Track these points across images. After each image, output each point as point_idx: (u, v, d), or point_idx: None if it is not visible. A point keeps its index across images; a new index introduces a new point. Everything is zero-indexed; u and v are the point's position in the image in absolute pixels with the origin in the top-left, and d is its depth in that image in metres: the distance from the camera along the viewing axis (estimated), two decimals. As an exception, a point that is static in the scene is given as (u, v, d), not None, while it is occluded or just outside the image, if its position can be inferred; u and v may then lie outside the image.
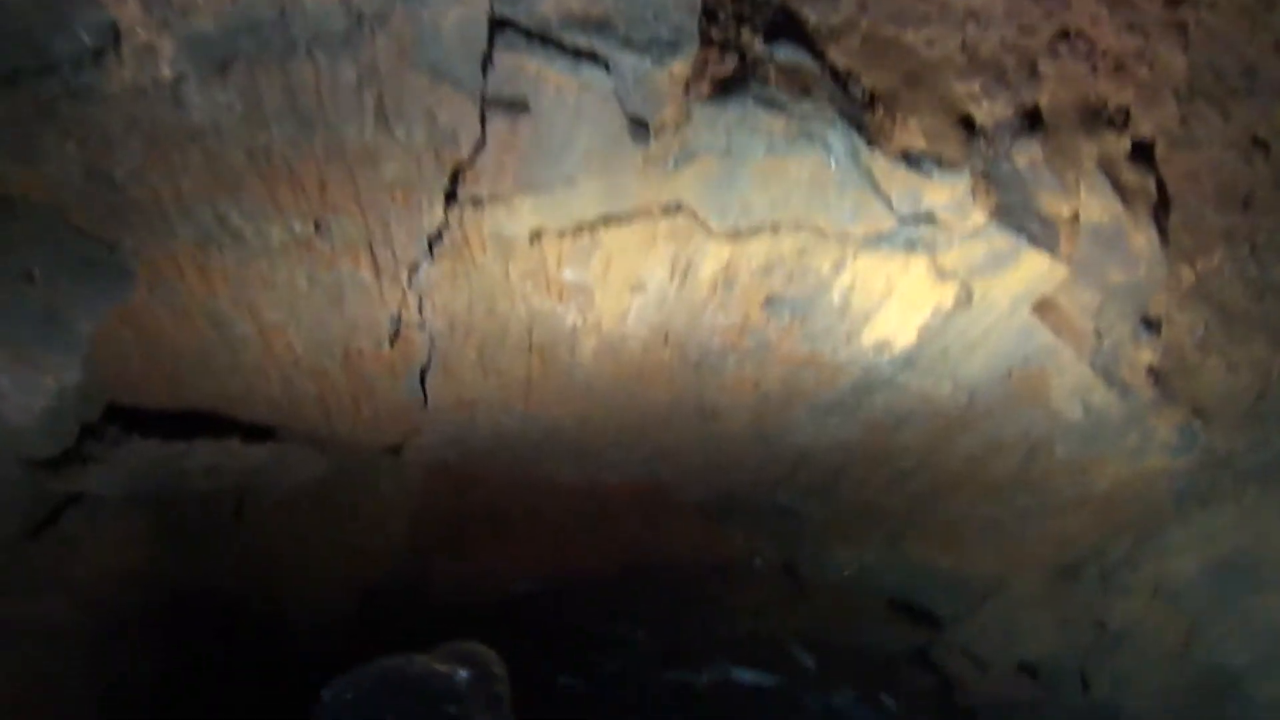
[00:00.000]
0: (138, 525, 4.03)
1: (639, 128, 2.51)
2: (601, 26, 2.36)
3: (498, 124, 2.45)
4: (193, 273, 2.86)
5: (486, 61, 2.33)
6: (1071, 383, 3.47)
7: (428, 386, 3.48)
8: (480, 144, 2.49)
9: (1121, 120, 3.04)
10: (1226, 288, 3.43)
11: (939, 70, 2.79)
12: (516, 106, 2.41)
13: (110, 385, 3.33)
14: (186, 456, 3.56)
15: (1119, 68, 2.95)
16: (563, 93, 2.40)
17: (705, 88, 2.51)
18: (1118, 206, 3.03)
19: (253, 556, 4.46)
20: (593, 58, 2.37)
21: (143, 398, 3.41)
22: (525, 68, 2.34)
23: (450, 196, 2.67)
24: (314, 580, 4.76)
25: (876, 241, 2.89)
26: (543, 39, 2.34)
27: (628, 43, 2.37)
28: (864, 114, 2.69)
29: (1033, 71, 2.87)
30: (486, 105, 2.41)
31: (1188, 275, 3.37)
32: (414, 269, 2.92)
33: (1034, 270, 3.01)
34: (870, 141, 2.68)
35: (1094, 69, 2.93)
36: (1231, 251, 3.35)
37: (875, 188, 2.76)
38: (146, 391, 3.38)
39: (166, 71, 2.25)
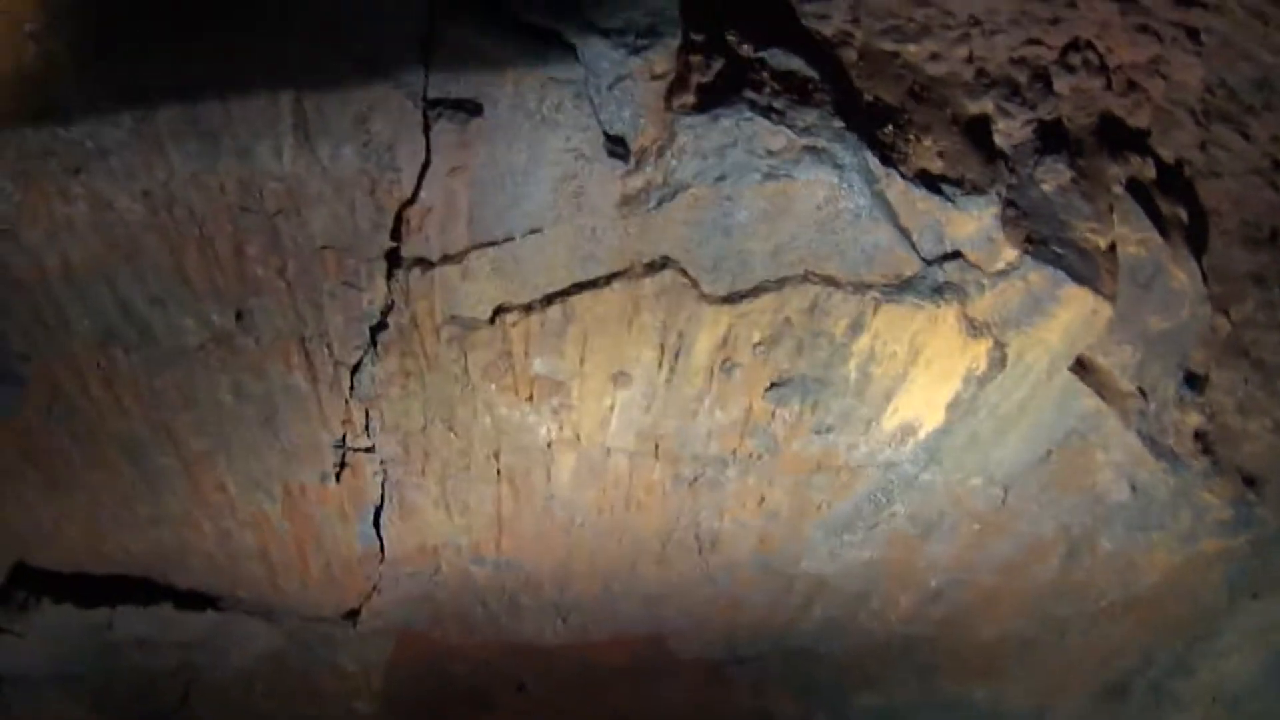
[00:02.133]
0: (71, 713, 3.29)
1: (617, 146, 1.98)
2: (566, 7, 1.85)
3: (445, 132, 1.90)
4: (97, 385, 2.28)
5: (428, 42, 1.79)
6: (1117, 457, 2.90)
7: (383, 531, 2.85)
8: (425, 163, 1.94)
9: (1142, 144, 2.58)
10: (1262, 338, 2.92)
11: (947, 87, 2.31)
12: (467, 108, 1.87)
13: (16, 540, 2.69)
14: (113, 627, 2.88)
15: (1132, 84, 2.49)
16: (523, 90, 1.87)
17: (690, 98, 2.00)
18: (1154, 236, 2.52)
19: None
20: (558, 41, 1.85)
21: (57, 557, 2.77)
22: (476, 49, 1.80)
23: (393, 259, 2.12)
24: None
25: (899, 290, 2.35)
26: (495, 10, 1.81)
27: (597, 27, 1.86)
28: (874, 128, 2.18)
29: (1047, 87, 2.40)
30: (430, 108, 1.86)
31: (1223, 326, 2.86)
32: (356, 369, 2.34)
33: (1076, 313, 2.47)
34: (884, 160, 2.16)
35: (1108, 84, 2.47)
36: (1263, 296, 2.86)
37: (894, 220, 2.23)
38: (61, 549, 2.75)
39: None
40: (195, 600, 2.97)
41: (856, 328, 2.41)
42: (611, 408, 2.55)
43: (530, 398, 2.48)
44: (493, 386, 2.44)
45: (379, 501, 2.75)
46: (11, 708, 3.10)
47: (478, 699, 3.85)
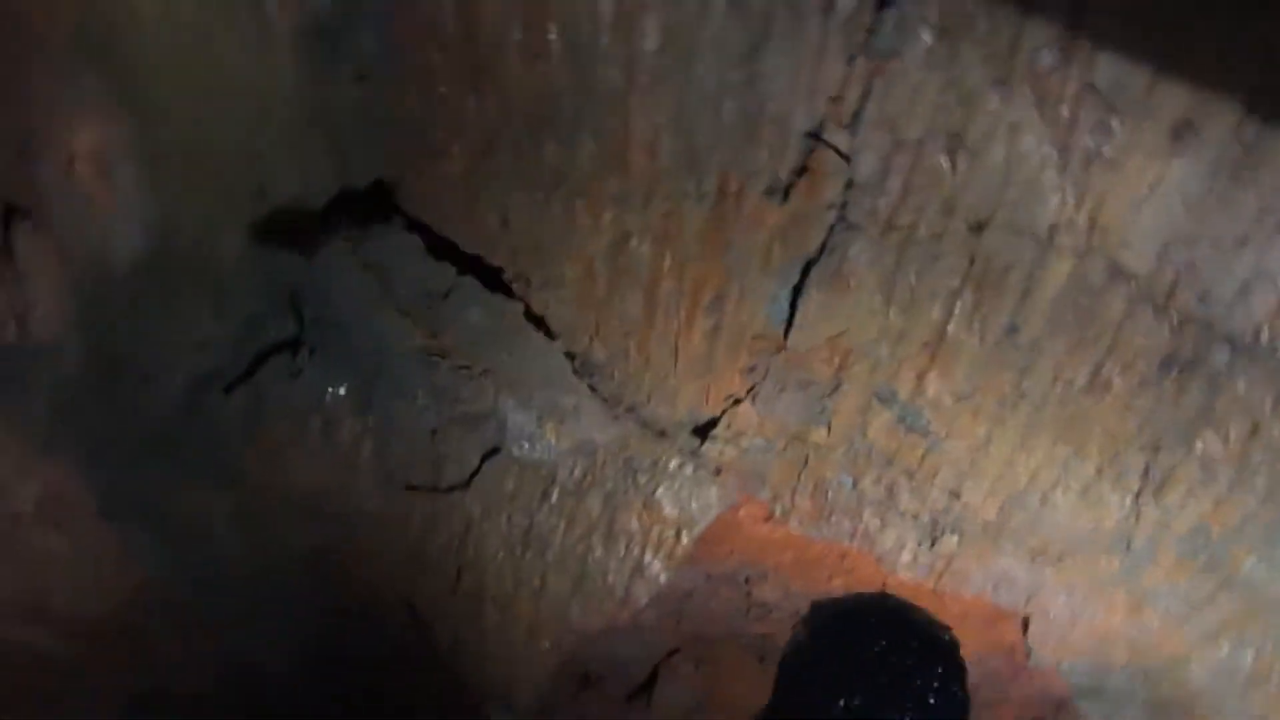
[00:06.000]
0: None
1: None
2: None
3: None
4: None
5: None
6: None
7: (801, 300, 2.18)
8: None
9: None
10: None
11: None
12: None
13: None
14: (449, 297, 2.26)
15: None
16: None
17: None
18: None
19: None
20: None
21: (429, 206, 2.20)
22: None
23: None
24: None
25: None
26: None
27: None
28: None
29: None
30: None
31: None
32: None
33: None
34: None
35: None
36: None
37: None
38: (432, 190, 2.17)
39: None
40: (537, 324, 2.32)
41: None
42: (1155, 185, 1.83)
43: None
44: (1029, 90, 1.78)
45: (815, 254, 2.09)
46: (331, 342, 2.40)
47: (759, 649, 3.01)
